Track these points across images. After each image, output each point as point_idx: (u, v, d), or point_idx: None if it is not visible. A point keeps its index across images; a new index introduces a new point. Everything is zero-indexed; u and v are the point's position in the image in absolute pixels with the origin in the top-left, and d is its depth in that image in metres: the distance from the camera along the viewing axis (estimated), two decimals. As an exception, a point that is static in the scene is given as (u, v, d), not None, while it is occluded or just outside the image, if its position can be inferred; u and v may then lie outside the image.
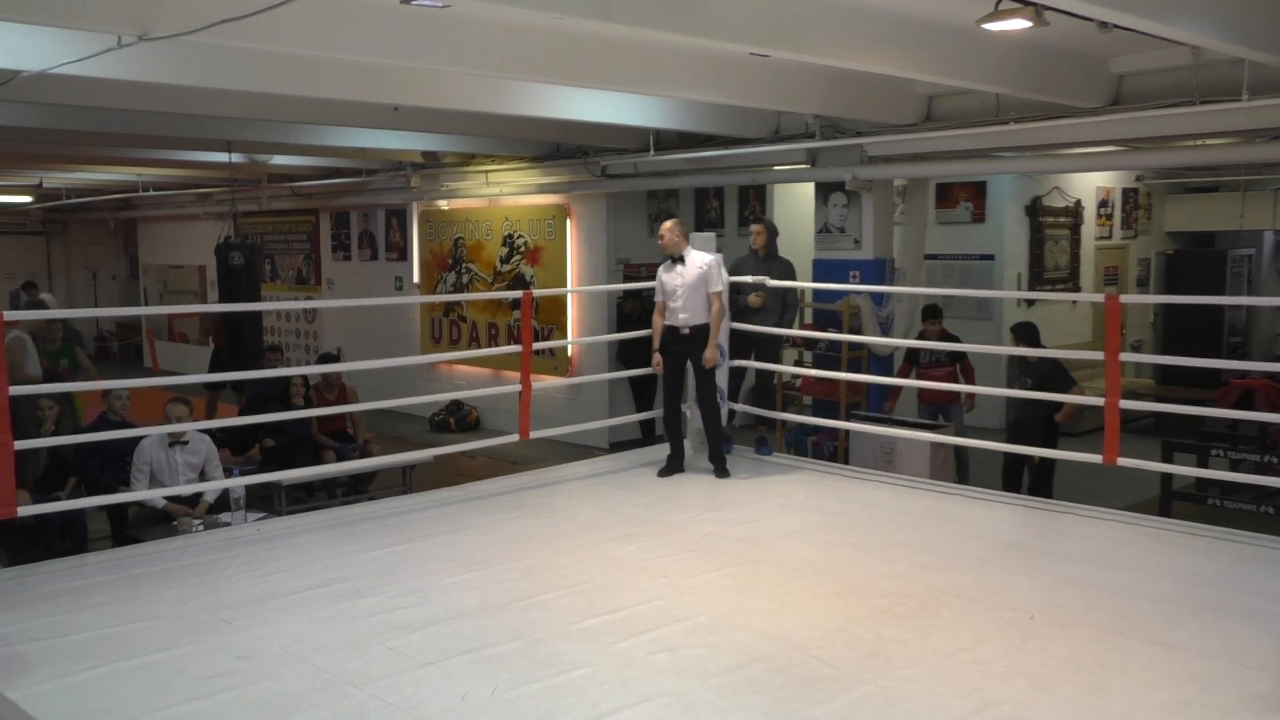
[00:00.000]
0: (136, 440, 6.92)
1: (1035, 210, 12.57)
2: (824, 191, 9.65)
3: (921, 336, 8.79)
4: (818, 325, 9.63)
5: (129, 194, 17.38)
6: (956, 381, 8.55)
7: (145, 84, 6.73)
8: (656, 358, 7.19)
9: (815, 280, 9.42)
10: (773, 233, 7.96)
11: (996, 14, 4.95)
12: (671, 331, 7.10)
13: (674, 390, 7.26)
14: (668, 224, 7.13)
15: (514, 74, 6.45)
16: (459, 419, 12.94)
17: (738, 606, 4.60)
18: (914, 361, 8.80)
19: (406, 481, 8.18)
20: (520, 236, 12.68)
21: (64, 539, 6.87)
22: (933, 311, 8.80)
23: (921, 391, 8.62)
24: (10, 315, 5.64)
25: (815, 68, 7.16)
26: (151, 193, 16.95)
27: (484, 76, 7.11)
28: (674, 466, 7.19)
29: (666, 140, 10.34)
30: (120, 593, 4.83)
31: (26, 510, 5.48)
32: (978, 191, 12.35)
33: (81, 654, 4.09)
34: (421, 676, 3.87)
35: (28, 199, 18.33)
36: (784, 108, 8.35)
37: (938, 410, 8.89)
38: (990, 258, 12.31)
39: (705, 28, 5.28)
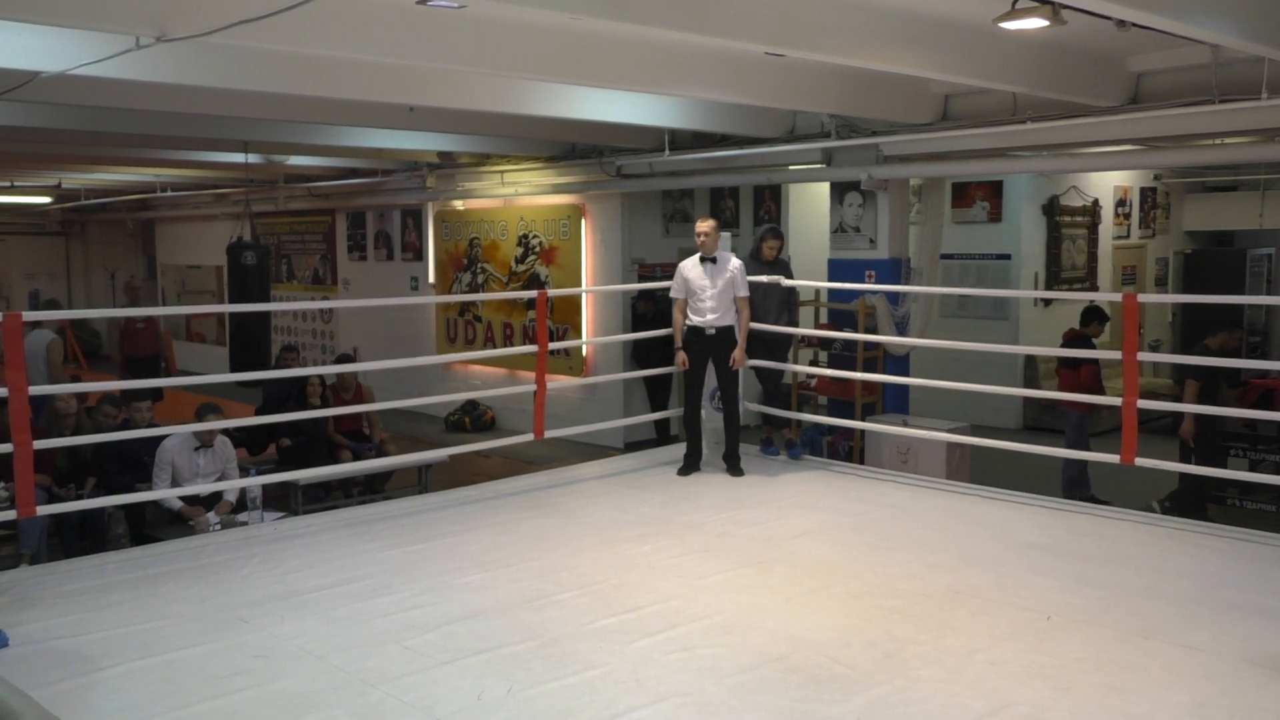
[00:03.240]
0: (153, 443, 6.94)
1: (1052, 209, 12.51)
2: (839, 191, 9.63)
3: (1079, 341, 8.45)
4: (833, 325, 9.61)
5: (147, 194, 17.48)
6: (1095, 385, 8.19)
7: (163, 85, 6.76)
8: (681, 355, 7.18)
9: (830, 280, 9.40)
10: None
11: (1013, 13, 4.93)
12: (696, 331, 7.10)
13: (695, 389, 7.26)
14: (710, 223, 7.13)
15: (529, 74, 6.45)
16: (474, 419, 12.96)
17: (753, 606, 4.59)
18: (1076, 366, 8.39)
19: (422, 481, 8.20)
20: (535, 236, 12.69)
21: (83, 539, 6.92)
22: (1098, 315, 8.47)
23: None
24: (30, 315, 5.68)
25: (830, 67, 7.14)
26: (169, 193, 17.03)
27: (499, 76, 7.12)
28: (692, 465, 7.19)
29: (681, 140, 10.33)
30: (139, 592, 4.86)
31: (45, 510, 5.53)
32: (994, 191, 12.31)
33: (100, 652, 4.12)
34: (437, 675, 3.88)
35: (47, 200, 18.45)
36: (799, 107, 8.33)
37: (1083, 419, 8.39)
38: (1007, 257, 12.26)
39: (720, 27, 5.27)
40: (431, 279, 14.22)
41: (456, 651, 4.09)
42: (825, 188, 10.09)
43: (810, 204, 11.87)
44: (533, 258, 12.73)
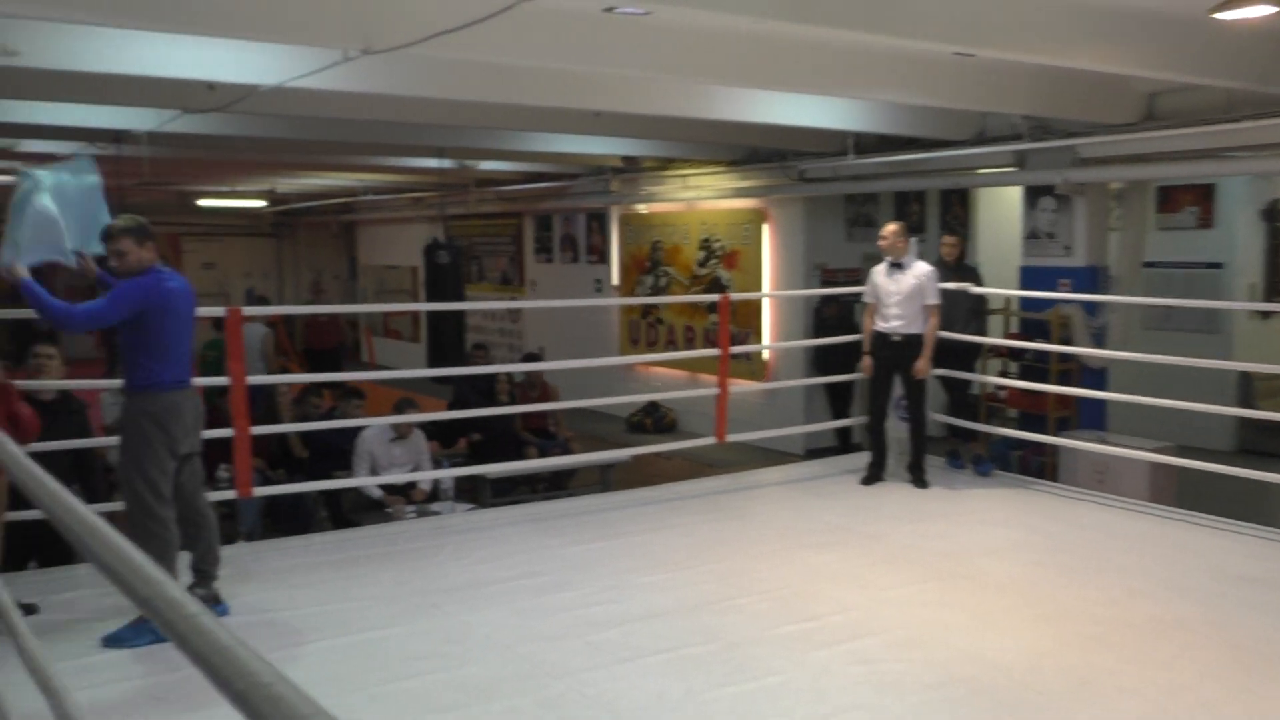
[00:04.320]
0: (353, 433, 7.33)
1: (1274, 214, 11.64)
2: (1032, 195, 9.26)
3: None
4: (1024, 335, 9.24)
5: (350, 198, 18.47)
6: None
7: (367, 94, 7.14)
8: (866, 361, 7.06)
9: (1022, 288, 9.04)
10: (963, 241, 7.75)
11: (1231, 2, 4.63)
12: (882, 338, 6.96)
13: (880, 397, 7.11)
14: (892, 227, 7.00)
15: (712, 78, 6.49)
16: (656, 420, 13.10)
17: (938, 623, 4.47)
18: None
19: (604, 480, 8.35)
20: (717, 240, 12.73)
21: (291, 520, 7.37)
22: None
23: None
24: (247, 311, 6.10)
25: (1024, 66, 6.88)
26: (370, 197, 17.94)
27: (683, 81, 7.18)
28: (875, 475, 7.05)
29: (866, 143, 10.16)
30: (341, 573, 5.14)
31: (260, 491, 5.93)
32: (1205, 195, 11.54)
33: (306, 627, 4.38)
34: (618, 673, 3.94)
35: (262, 203, 19.79)
36: (990, 108, 8.06)
37: None
38: (1218, 266, 11.49)
39: (908, 28, 5.16)
40: (615, 281, 14.46)
41: (636, 650, 4.15)
42: (1017, 192, 9.72)
43: (1001, 209, 11.45)
44: (714, 261, 12.77)
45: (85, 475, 5.57)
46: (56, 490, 1.59)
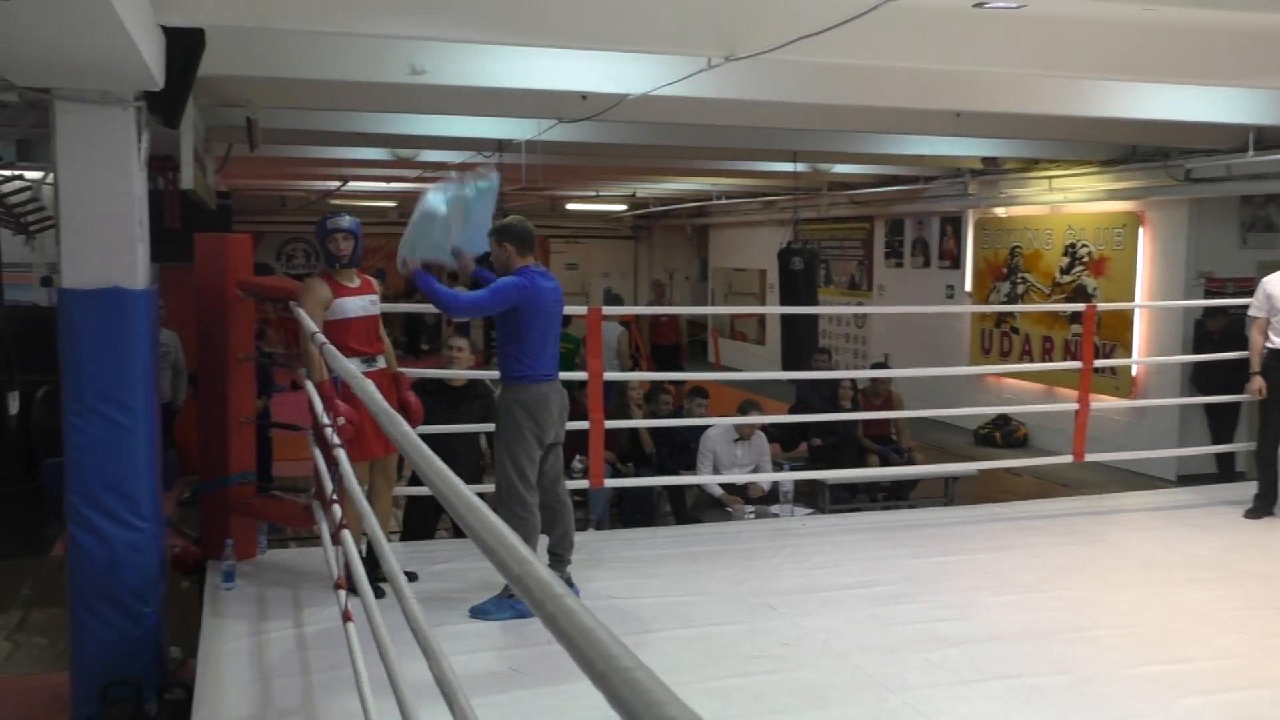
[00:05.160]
0: (697, 431, 7.55)
1: None
2: None
3: None
4: None
5: (703, 202, 19.03)
6: None
7: (725, 100, 7.28)
8: (1258, 382, 6.34)
9: None
10: None
11: None
12: (1277, 355, 6.22)
13: (1273, 421, 6.36)
14: None
15: (1091, 73, 6.06)
16: (1005, 434, 12.46)
17: (1339, 683, 3.93)
18: None
19: (948, 493, 8.06)
20: (1084, 246, 11.88)
21: (637, 512, 7.72)
22: None
23: None
24: (607, 310, 6.45)
25: None
26: (722, 201, 18.39)
27: (1056, 77, 6.75)
28: (1263, 508, 6.31)
29: (1270, 138, 9.07)
30: (682, 567, 5.32)
31: (611, 483, 6.27)
32: None
33: (649, 616, 4.58)
34: (958, 693, 3.80)
35: (622, 207, 20.87)
36: None
37: None
38: None
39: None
40: (968, 287, 13.90)
41: (979, 672, 3.98)
42: None
43: None
44: (1079, 268, 11.93)
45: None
46: (443, 470, 1.76)
